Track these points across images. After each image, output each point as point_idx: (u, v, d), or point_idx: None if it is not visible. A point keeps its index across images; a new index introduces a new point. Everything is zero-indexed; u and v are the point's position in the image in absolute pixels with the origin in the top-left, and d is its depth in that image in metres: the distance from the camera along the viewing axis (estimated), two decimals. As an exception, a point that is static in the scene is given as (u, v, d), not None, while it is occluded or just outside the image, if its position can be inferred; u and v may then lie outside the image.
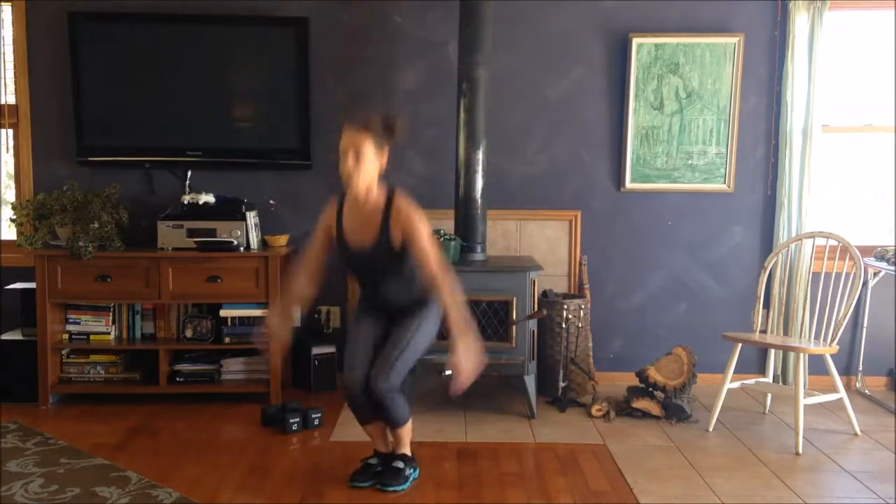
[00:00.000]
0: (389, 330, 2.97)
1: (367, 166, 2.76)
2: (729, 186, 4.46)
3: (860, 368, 4.47)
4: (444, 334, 3.88)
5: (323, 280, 3.02)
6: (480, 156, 3.98)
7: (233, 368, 4.18)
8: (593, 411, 3.95)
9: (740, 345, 3.78)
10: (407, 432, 3.06)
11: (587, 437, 3.67)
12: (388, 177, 2.91)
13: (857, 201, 4.64)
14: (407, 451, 3.09)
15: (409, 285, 2.93)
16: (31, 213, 4.03)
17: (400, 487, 2.98)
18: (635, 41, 4.36)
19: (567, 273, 4.53)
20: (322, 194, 4.30)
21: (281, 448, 3.50)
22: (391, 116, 2.84)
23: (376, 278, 2.95)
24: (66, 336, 4.14)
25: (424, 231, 2.80)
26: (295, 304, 3.15)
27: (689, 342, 4.12)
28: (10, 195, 4.54)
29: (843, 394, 3.68)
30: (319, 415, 3.76)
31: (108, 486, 2.99)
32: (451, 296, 2.74)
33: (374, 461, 3.11)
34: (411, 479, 3.05)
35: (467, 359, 2.65)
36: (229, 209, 4.15)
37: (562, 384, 4.12)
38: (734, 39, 4.34)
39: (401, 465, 3.03)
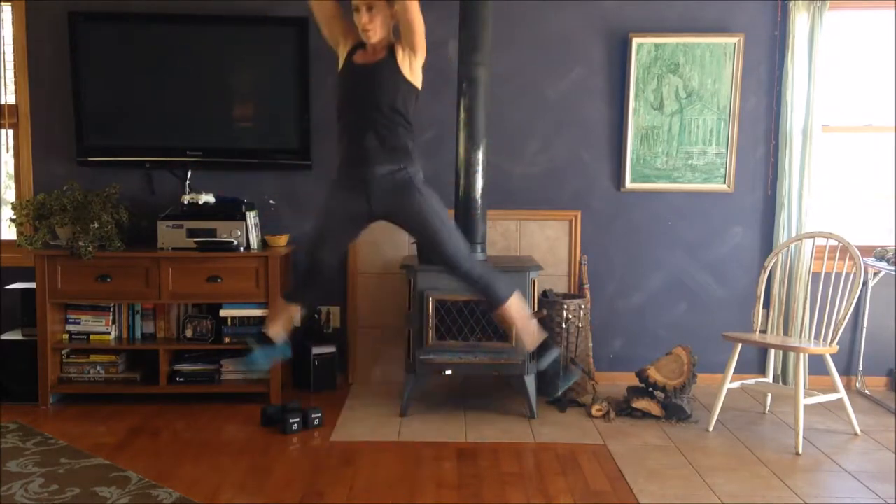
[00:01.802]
0: (405, 225, 2.98)
1: (381, 19, 2.82)
2: (729, 186, 4.46)
3: (860, 368, 4.47)
4: (446, 336, 3.89)
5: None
6: (480, 156, 3.97)
7: (233, 368, 4.18)
8: (593, 411, 3.95)
9: (740, 345, 3.78)
10: (519, 309, 3.00)
11: (587, 437, 3.67)
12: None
13: (857, 201, 4.64)
14: (534, 334, 3.04)
15: (393, 134, 2.87)
16: (31, 213, 4.03)
17: (569, 382, 3.04)
18: (635, 41, 4.36)
19: (567, 273, 4.53)
20: (322, 194, 4.32)
21: (281, 448, 3.50)
22: None
23: (367, 113, 2.88)
24: (66, 336, 4.14)
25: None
26: None
27: (689, 342, 4.12)
28: (10, 195, 4.54)
29: (843, 394, 3.69)
30: (319, 415, 3.76)
31: (108, 486, 2.99)
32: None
33: (252, 342, 3.14)
34: (557, 359, 3.04)
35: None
36: (229, 209, 4.15)
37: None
38: (734, 39, 4.34)
39: (552, 355, 3.06)
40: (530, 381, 3.89)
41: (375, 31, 2.83)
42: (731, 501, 2.97)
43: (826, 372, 3.78)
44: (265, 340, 3.11)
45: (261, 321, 4.06)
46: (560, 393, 3.01)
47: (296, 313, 3.08)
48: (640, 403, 3.93)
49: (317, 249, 2.96)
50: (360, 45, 2.95)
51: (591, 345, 4.36)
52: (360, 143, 2.89)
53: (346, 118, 2.96)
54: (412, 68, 2.90)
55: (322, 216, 3.01)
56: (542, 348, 3.03)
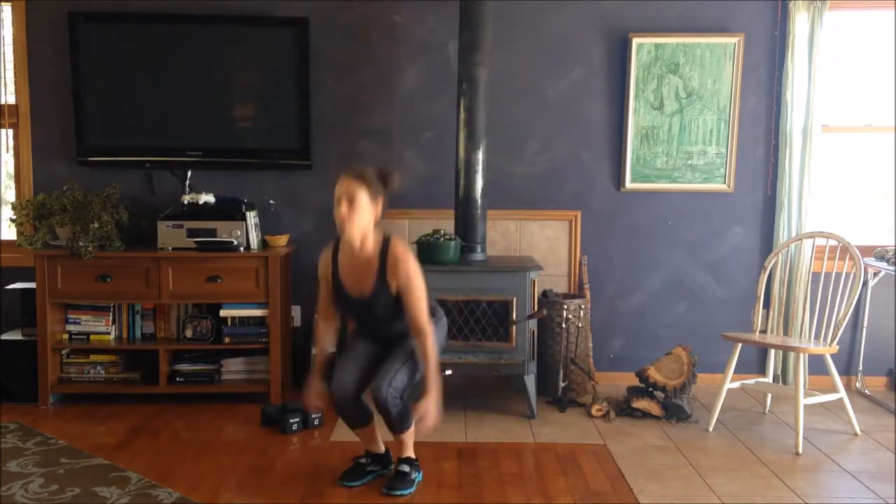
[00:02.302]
0: (389, 350, 3.01)
1: (360, 215, 2.81)
2: (729, 186, 4.46)
3: (860, 368, 4.47)
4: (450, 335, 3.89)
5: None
6: (480, 156, 3.98)
7: (233, 368, 4.18)
8: (593, 411, 3.95)
9: (740, 345, 3.78)
10: (410, 436, 3.06)
11: (587, 437, 3.67)
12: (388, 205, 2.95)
13: (857, 201, 4.64)
14: (411, 454, 3.09)
15: (397, 326, 2.98)
16: (31, 213, 4.03)
17: (407, 491, 2.99)
18: (635, 41, 4.36)
19: (567, 273, 4.53)
20: (322, 194, 4.33)
21: (281, 448, 3.50)
22: (386, 169, 2.91)
23: (376, 322, 3.02)
24: (66, 336, 4.14)
25: (419, 282, 2.88)
26: (329, 351, 3.19)
27: (689, 342, 4.12)
28: (10, 195, 4.54)
29: (843, 394, 3.68)
30: (319, 415, 3.76)
31: (108, 486, 2.99)
32: (431, 350, 2.86)
33: (364, 460, 3.12)
34: (416, 482, 3.06)
35: (431, 410, 2.83)
36: (229, 209, 4.15)
37: (562, 384, 4.12)
38: (734, 39, 4.34)
39: (406, 468, 3.04)
40: (530, 381, 3.89)
41: (352, 225, 2.81)
42: (731, 501, 2.97)
43: (826, 372, 3.78)
44: (378, 459, 3.15)
45: (261, 321, 4.06)
46: (394, 494, 3.03)
47: (371, 427, 3.10)
48: (640, 403, 3.93)
49: (340, 379, 2.97)
50: (336, 243, 2.98)
51: (591, 345, 4.37)
52: (374, 333, 3.07)
53: (355, 321, 3.16)
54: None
55: (345, 355, 3.07)
56: (409, 461, 3.08)
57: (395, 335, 3.01)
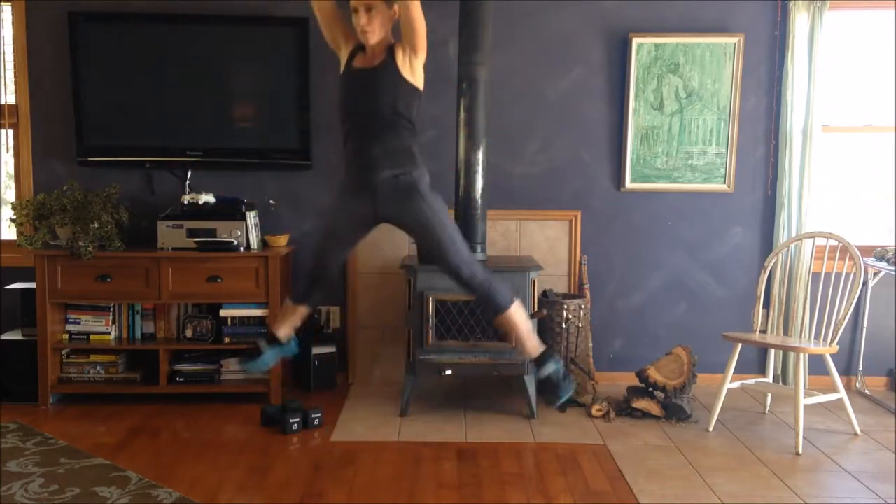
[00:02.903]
0: (409, 230, 2.97)
1: (379, 20, 2.81)
2: (729, 186, 4.46)
3: (860, 368, 4.47)
4: (446, 336, 3.89)
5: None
6: (480, 156, 3.98)
7: (233, 368, 4.17)
8: (593, 411, 3.95)
9: (740, 345, 3.78)
10: (521, 316, 2.98)
11: (587, 437, 3.67)
12: None
13: (857, 201, 4.64)
14: (532, 342, 3.02)
15: (396, 137, 2.88)
16: (31, 213, 4.03)
17: (569, 389, 2.99)
18: (635, 41, 4.36)
19: (567, 273, 4.53)
20: (322, 194, 4.35)
21: (281, 448, 3.50)
22: None
23: (370, 118, 2.89)
24: (66, 336, 4.14)
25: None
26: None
27: (689, 342, 4.12)
28: (10, 195, 4.54)
29: (843, 394, 3.69)
30: (319, 415, 3.76)
31: (108, 486, 2.99)
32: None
33: (263, 343, 3.12)
34: (560, 369, 3.00)
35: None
36: (229, 209, 4.15)
37: (562, 384, 4.12)
38: (734, 39, 4.34)
39: (547, 370, 2.98)
40: (530, 381, 3.89)
41: (374, 32, 2.82)
42: (731, 501, 2.97)
43: (826, 372, 3.78)
44: (273, 341, 3.13)
45: (261, 321, 4.07)
46: (561, 403, 3.01)
47: (303, 313, 3.09)
48: (640, 403, 3.93)
49: (323, 251, 2.97)
50: (360, 47, 2.94)
51: (591, 345, 4.36)
52: (364, 148, 2.90)
53: (348, 123, 2.96)
54: (413, 69, 2.89)
55: (328, 218, 3.03)
56: (543, 358, 3.01)
57: (387, 171, 2.88)
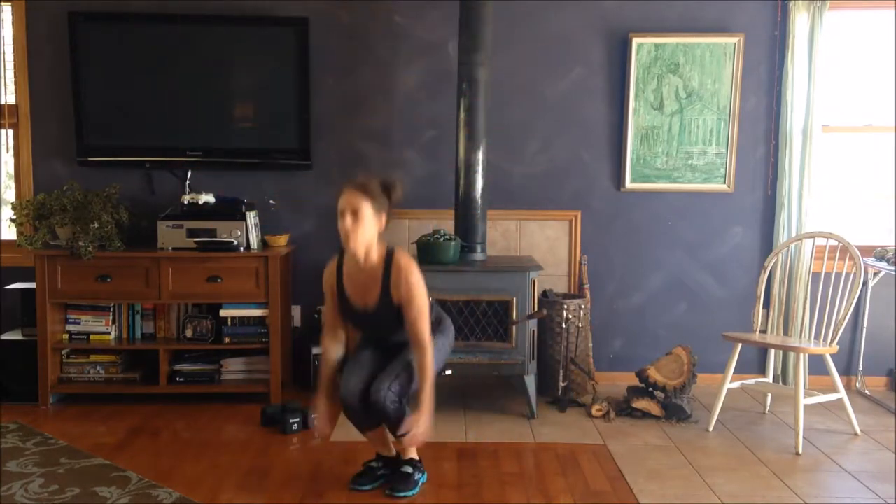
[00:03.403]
0: (393, 353, 3.00)
1: (364, 227, 2.79)
2: (729, 186, 4.46)
3: (860, 368, 4.47)
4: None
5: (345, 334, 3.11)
6: (480, 156, 3.98)
7: (233, 368, 4.18)
8: (593, 411, 3.95)
9: (740, 345, 3.78)
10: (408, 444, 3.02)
11: (587, 437, 3.67)
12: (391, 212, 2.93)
13: (857, 201, 4.64)
14: (414, 455, 3.09)
15: (402, 335, 2.96)
16: (31, 213, 4.03)
17: (410, 493, 2.98)
18: (635, 41, 4.36)
19: (567, 273, 4.53)
20: (322, 194, 4.35)
21: (281, 448, 3.50)
22: (390, 180, 2.89)
23: (381, 333, 3.02)
24: (66, 336, 4.14)
25: (421, 296, 2.85)
26: (335, 368, 3.14)
27: (689, 342, 4.12)
28: (10, 195, 4.54)
29: (843, 394, 3.68)
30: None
31: (108, 486, 2.99)
32: (429, 366, 2.84)
33: (375, 464, 3.11)
34: (420, 483, 3.05)
35: (421, 426, 2.82)
36: (229, 209, 4.15)
37: (562, 384, 4.12)
38: (734, 39, 4.34)
39: (409, 469, 3.03)
40: (530, 381, 3.89)
41: (356, 238, 2.79)
42: (731, 501, 2.97)
43: (826, 372, 3.78)
44: (395, 461, 3.11)
45: (261, 321, 4.06)
46: (403, 495, 3.02)
47: (381, 430, 3.07)
48: (640, 403, 3.93)
49: (347, 382, 2.97)
50: (341, 255, 2.97)
51: (591, 345, 4.37)
52: (380, 341, 3.07)
53: (360, 331, 3.13)
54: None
55: (353, 361, 3.05)
56: (413, 463, 3.07)
57: (400, 344, 3.00)
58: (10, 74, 4.41)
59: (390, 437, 3.08)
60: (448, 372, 3.86)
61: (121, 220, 4.07)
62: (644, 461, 3.37)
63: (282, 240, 4.25)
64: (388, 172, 3.10)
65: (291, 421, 3.66)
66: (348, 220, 2.78)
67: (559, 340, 4.16)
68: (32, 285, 4.04)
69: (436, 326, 2.99)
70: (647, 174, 4.46)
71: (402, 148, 4.45)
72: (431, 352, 2.85)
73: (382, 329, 2.99)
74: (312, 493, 3.00)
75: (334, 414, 3.12)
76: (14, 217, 4.12)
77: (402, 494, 2.97)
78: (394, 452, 3.12)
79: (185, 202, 4.14)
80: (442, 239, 3.84)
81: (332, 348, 3.07)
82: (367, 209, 2.78)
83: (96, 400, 4.07)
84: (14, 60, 4.38)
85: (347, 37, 4.39)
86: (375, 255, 2.88)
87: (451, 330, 3.16)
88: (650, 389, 3.93)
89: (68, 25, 4.20)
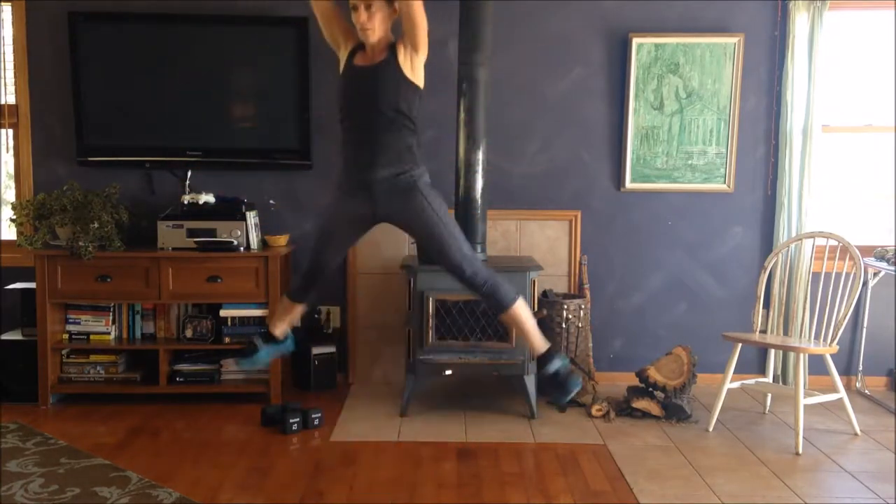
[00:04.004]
0: (409, 229, 2.96)
1: (379, 17, 2.79)
2: (729, 186, 4.46)
3: (860, 368, 4.47)
4: (446, 336, 3.89)
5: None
6: (480, 156, 3.98)
7: (233, 368, 4.17)
8: (593, 411, 3.95)
9: (740, 345, 3.78)
10: (525, 313, 2.96)
11: (587, 437, 3.67)
12: None
13: (857, 201, 4.64)
14: (538, 341, 2.96)
15: (396, 135, 2.86)
16: (31, 213, 4.03)
17: (575, 388, 2.93)
18: (635, 41, 4.36)
19: (567, 273, 4.53)
20: (322, 194, 4.34)
21: (281, 448, 3.50)
22: None
23: (369, 115, 2.87)
24: (66, 336, 4.14)
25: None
26: None
27: (689, 342, 4.12)
28: (10, 195, 4.54)
29: (843, 394, 3.68)
30: (319, 415, 3.76)
31: (108, 486, 2.99)
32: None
33: (259, 341, 3.12)
34: (567, 366, 2.95)
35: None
36: (229, 209, 4.15)
37: (562, 384, 4.12)
38: (734, 39, 4.34)
39: (552, 367, 2.92)
40: (530, 381, 3.89)
41: (374, 29, 2.80)
42: (731, 501, 2.97)
43: (826, 372, 3.78)
44: (270, 338, 3.14)
45: (261, 321, 4.07)
46: (566, 400, 2.99)
47: (300, 311, 3.09)
48: (640, 403, 3.93)
49: (320, 251, 2.97)
50: (360, 46, 2.94)
51: (591, 345, 4.36)
52: (363, 146, 2.89)
53: (347, 121, 2.95)
54: (414, 67, 2.87)
55: (326, 218, 3.01)
56: (549, 354, 2.99)
57: (386, 171, 2.86)
58: (10, 74, 4.41)
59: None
60: (448, 372, 3.87)
61: (121, 220, 4.07)
62: (644, 461, 3.37)
63: (282, 240, 4.25)
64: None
65: (291, 421, 3.66)
66: (363, 13, 2.78)
67: (559, 340, 4.16)
68: (32, 285, 4.04)
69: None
70: (647, 174, 4.46)
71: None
72: None
73: (377, 97, 2.84)
74: (312, 493, 3.00)
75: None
76: (14, 217, 4.12)
77: (568, 398, 2.97)
78: (285, 332, 3.13)
79: (185, 202, 4.14)
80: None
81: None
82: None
83: (96, 400, 4.07)
84: (14, 60, 4.38)
85: (347, 37, 4.38)
86: (385, 41, 2.87)
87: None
88: (650, 389, 3.93)
89: (68, 25, 4.20)
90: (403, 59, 2.85)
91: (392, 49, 2.87)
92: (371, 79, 2.87)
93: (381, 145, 2.87)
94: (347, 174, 2.95)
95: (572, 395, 2.96)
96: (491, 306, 2.97)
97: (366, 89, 2.88)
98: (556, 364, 2.95)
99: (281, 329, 3.14)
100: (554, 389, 3.00)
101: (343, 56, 2.97)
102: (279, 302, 3.12)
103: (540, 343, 2.99)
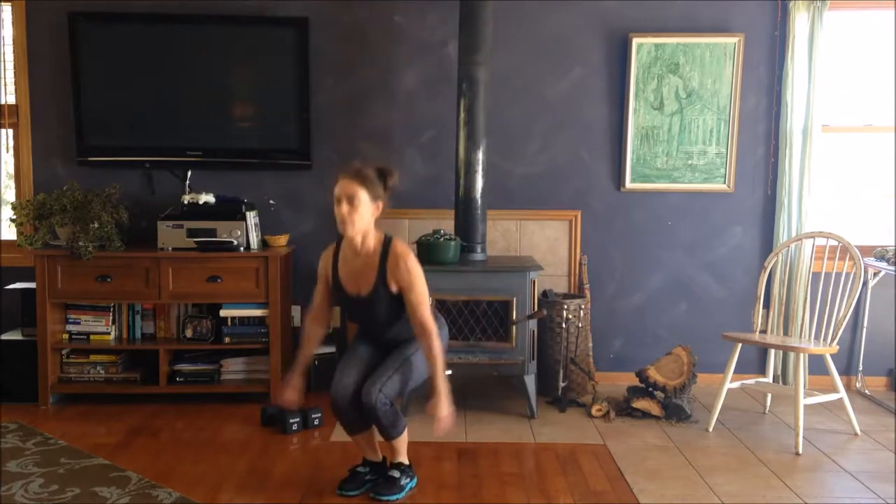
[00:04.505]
0: (389, 352, 2.98)
1: (361, 214, 2.79)
2: (729, 186, 4.46)
3: (860, 368, 4.47)
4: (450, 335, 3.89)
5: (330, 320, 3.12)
6: (480, 156, 3.98)
7: (233, 368, 4.18)
8: (593, 411, 3.95)
9: (740, 345, 3.78)
10: (402, 442, 3.01)
11: (587, 437, 3.67)
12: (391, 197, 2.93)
13: (857, 201, 4.64)
14: (404, 459, 3.04)
15: (408, 326, 2.93)
16: (31, 213, 4.03)
17: (395, 497, 2.95)
18: (635, 41, 4.36)
19: (567, 273, 4.53)
20: (322, 194, 4.34)
21: (281, 448, 3.50)
22: (385, 167, 2.88)
23: (375, 323, 2.98)
24: (66, 336, 4.14)
25: (421, 281, 2.85)
26: (311, 357, 3.17)
27: (689, 342, 4.12)
28: (10, 195, 4.54)
29: (843, 394, 3.69)
30: (319, 415, 3.76)
31: (108, 486, 2.99)
32: (437, 349, 2.83)
33: (362, 469, 3.06)
34: (407, 488, 3.01)
35: (444, 412, 2.80)
36: (229, 209, 4.15)
37: (562, 384, 4.12)
38: (734, 39, 4.34)
39: (396, 474, 3.00)
40: (530, 381, 3.89)
41: (353, 224, 2.79)
42: (730, 501, 2.97)
43: (826, 372, 3.78)
44: (379, 466, 3.07)
45: (261, 321, 4.06)
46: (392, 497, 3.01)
47: (368, 436, 3.03)
48: (640, 403, 3.93)
49: (339, 380, 2.93)
50: (338, 243, 2.97)
51: (591, 345, 4.37)
52: (375, 335, 3.03)
53: (355, 321, 3.15)
54: (404, 291, 2.88)
55: (346, 357, 3.02)
56: (402, 471, 3.03)
57: (395, 339, 2.98)
58: (10, 74, 4.41)
59: (378, 439, 3.04)
60: (448, 372, 3.86)
61: (121, 220, 4.07)
62: (644, 461, 3.37)
63: (282, 240, 4.25)
64: (383, 160, 3.07)
65: (291, 421, 3.66)
66: (344, 206, 2.78)
67: (559, 340, 4.16)
68: (32, 285, 4.04)
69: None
70: (647, 174, 4.46)
71: (402, 148, 4.45)
72: (437, 335, 2.84)
73: (377, 318, 2.94)
74: (312, 493, 3.00)
75: (301, 387, 3.05)
76: (14, 217, 4.12)
77: (385, 498, 2.94)
78: (380, 457, 3.08)
79: (185, 202, 4.14)
80: (442, 239, 3.84)
81: (314, 330, 3.06)
82: (362, 196, 2.78)
83: (96, 400, 4.07)
84: (14, 60, 4.38)
85: (347, 37, 4.39)
86: (372, 241, 2.88)
87: (445, 328, 3.13)
88: (650, 389, 3.93)
89: (68, 25, 4.21)
90: (392, 286, 2.86)
91: (383, 262, 2.86)
92: (366, 307, 2.93)
93: (391, 332, 2.99)
94: (363, 335, 3.10)
95: (387, 497, 2.94)
96: (375, 426, 2.95)
97: (364, 312, 2.98)
98: (400, 475, 2.99)
99: (375, 455, 3.08)
100: (381, 484, 2.99)
101: (328, 263, 2.99)
102: (358, 444, 3.09)
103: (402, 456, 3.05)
